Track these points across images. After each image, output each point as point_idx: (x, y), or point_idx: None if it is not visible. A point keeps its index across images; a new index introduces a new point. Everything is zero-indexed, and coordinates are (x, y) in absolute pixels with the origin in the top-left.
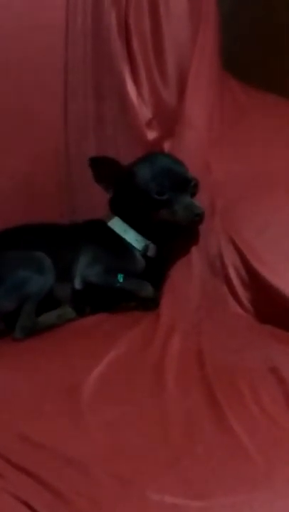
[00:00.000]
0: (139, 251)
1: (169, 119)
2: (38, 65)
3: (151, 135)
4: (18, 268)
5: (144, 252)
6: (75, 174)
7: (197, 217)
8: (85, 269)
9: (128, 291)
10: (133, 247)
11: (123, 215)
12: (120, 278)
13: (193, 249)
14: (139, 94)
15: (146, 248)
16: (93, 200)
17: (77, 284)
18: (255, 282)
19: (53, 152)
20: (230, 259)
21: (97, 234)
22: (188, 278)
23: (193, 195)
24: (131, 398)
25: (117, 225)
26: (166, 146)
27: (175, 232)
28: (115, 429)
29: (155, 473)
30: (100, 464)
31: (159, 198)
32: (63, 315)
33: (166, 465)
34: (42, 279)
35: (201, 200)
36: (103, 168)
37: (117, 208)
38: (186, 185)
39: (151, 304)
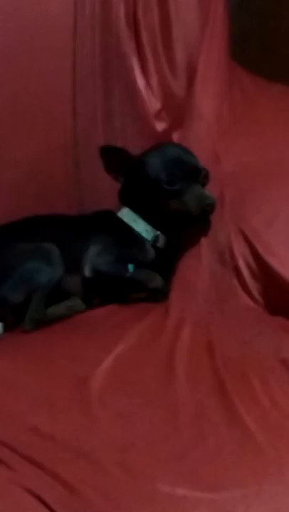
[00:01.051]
0: (149, 241)
1: (178, 110)
2: (46, 58)
3: (160, 126)
4: (27, 260)
5: (153, 243)
6: (84, 166)
7: (208, 207)
8: (95, 258)
9: (137, 281)
10: (143, 237)
11: (133, 205)
12: (130, 268)
13: (203, 241)
14: (148, 85)
15: (155, 239)
16: (101, 191)
17: (87, 273)
18: (265, 273)
19: (62, 144)
20: (240, 250)
21: (107, 224)
22: (197, 269)
23: (203, 185)
24: (141, 390)
25: (126, 215)
26: (175, 137)
27: (185, 223)
28: (125, 421)
29: (165, 465)
30: (110, 455)
31: (170, 188)
32: (72, 307)
33: (177, 457)
34: (51, 271)
35: (210, 191)
36: (113, 158)
37: (127, 199)
38: (196, 175)
39: (160, 296)
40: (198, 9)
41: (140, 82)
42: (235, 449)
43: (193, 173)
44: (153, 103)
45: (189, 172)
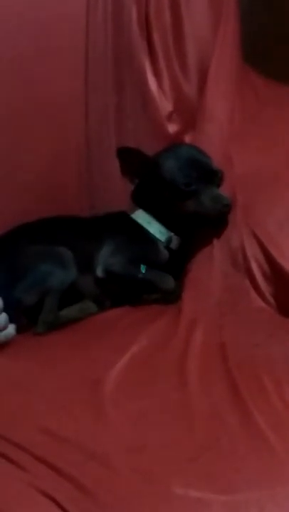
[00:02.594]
0: (163, 243)
1: (190, 112)
2: (59, 60)
3: (172, 128)
4: (40, 262)
5: (167, 244)
6: (96, 168)
7: (225, 208)
8: (108, 259)
9: (150, 282)
10: (156, 238)
11: (147, 206)
12: (143, 269)
13: (215, 243)
14: (160, 87)
15: (169, 240)
16: (113, 194)
17: (100, 273)
18: (278, 276)
19: (74, 146)
20: (253, 252)
21: (120, 225)
22: (210, 271)
23: (218, 186)
24: (154, 392)
25: (140, 216)
26: (187, 138)
27: (200, 224)
28: (138, 423)
29: (179, 467)
30: (124, 457)
31: (187, 189)
32: (85, 309)
33: (190, 459)
34: (63, 273)
35: None
36: (129, 159)
37: (141, 200)
38: (212, 176)
39: (172, 298)
40: (210, 11)
41: (152, 84)
42: (248, 451)
43: (209, 174)
44: (165, 105)
45: (205, 173)
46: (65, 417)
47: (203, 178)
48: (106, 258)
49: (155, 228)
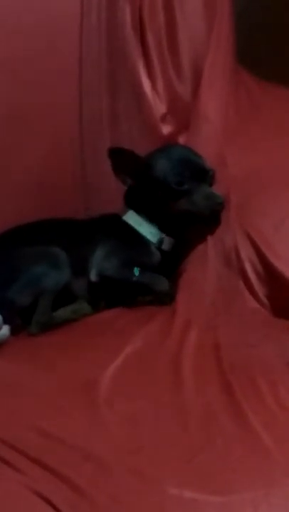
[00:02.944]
0: (154, 244)
1: (184, 114)
2: (52, 62)
3: (166, 129)
4: (34, 263)
5: (159, 246)
6: (90, 169)
7: (218, 207)
8: (101, 263)
9: (144, 285)
10: (148, 240)
11: (139, 208)
12: (136, 272)
13: (209, 244)
14: (154, 88)
15: (161, 241)
16: (108, 195)
17: (93, 277)
18: (271, 277)
19: (68, 148)
20: (246, 253)
21: (113, 228)
22: (203, 272)
23: (210, 185)
24: (148, 393)
25: (131, 218)
26: (181, 140)
27: (193, 224)
28: (133, 424)
29: (174, 468)
30: (119, 458)
31: (179, 188)
32: (79, 310)
33: (185, 460)
34: (57, 274)
35: None
36: (121, 160)
37: (133, 201)
38: (204, 175)
39: (166, 299)
40: (204, 13)
41: (146, 85)
42: (243, 451)
43: (201, 174)
44: (159, 106)
45: (197, 172)
46: (59, 418)
47: (195, 178)
48: (99, 262)
49: (146, 230)
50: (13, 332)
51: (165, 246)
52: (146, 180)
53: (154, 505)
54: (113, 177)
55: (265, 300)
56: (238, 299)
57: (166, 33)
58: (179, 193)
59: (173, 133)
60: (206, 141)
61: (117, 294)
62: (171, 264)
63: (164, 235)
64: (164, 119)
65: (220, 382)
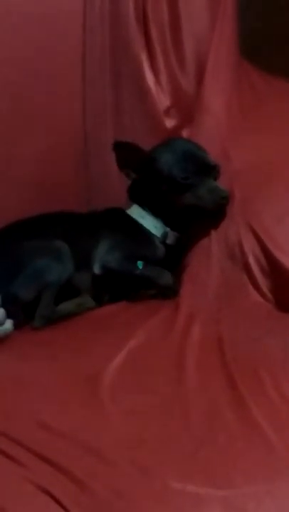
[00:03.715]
0: (158, 238)
1: (188, 107)
2: (56, 55)
3: (169, 123)
4: (37, 257)
5: (163, 239)
6: (93, 163)
7: (223, 200)
8: (105, 255)
9: (147, 278)
10: (152, 234)
11: (143, 201)
12: (140, 265)
13: (213, 238)
14: (157, 82)
15: (165, 235)
16: (110, 189)
17: (97, 270)
18: (275, 270)
19: (71, 141)
20: (250, 247)
21: (116, 221)
22: (207, 266)
23: (215, 179)
24: (151, 387)
25: (135, 212)
26: (185, 133)
27: (197, 218)
28: (136, 418)
29: (177, 462)
30: (121, 452)
31: (184, 182)
32: (82, 304)
33: (188, 454)
34: (61, 268)
35: None
36: (126, 153)
37: (137, 195)
38: (209, 169)
39: (170, 293)
40: (207, 5)
41: (149, 78)
42: (246, 445)
43: (206, 168)
44: (162, 100)
45: (202, 166)
46: (62, 412)
47: (200, 172)
48: (103, 255)
49: (150, 223)
50: (17, 326)
51: (169, 240)
52: (150, 174)
53: (157, 499)
54: (116, 171)
55: (268, 294)
56: (242, 292)
57: (170, 26)
58: (184, 187)
59: (176, 126)
60: (210, 135)
61: (120, 287)
62: (174, 258)
63: (168, 229)
64: (167, 112)
65: (223, 376)
